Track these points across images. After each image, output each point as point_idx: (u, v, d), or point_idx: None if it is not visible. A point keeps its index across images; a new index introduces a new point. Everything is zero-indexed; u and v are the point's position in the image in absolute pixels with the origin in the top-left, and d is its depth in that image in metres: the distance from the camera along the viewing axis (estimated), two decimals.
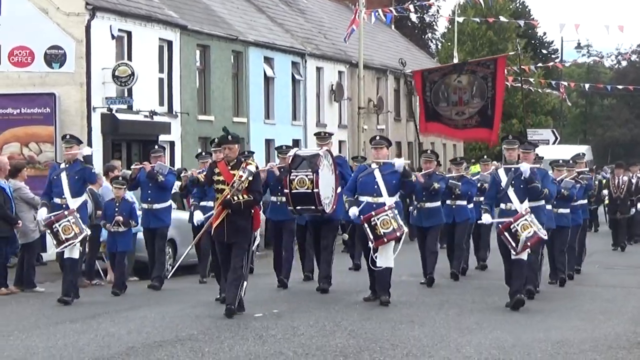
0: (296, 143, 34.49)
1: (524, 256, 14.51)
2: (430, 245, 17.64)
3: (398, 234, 14.67)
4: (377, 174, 14.87)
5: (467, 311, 14.20)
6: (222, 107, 32.34)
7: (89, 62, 25.74)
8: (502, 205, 14.77)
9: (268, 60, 35.57)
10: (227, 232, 13.25)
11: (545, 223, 15.43)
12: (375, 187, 14.83)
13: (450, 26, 53.78)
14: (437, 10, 63.77)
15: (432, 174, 17.96)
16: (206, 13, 33.42)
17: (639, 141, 71.22)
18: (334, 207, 15.92)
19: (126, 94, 27.04)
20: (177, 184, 18.71)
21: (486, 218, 14.81)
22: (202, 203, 17.14)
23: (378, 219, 14.56)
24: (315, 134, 17.36)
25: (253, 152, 21.34)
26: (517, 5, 64.93)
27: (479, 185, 19.75)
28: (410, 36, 59.10)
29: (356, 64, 38.41)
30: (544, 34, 72.15)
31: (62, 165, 15.64)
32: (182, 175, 18.41)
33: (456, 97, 23.39)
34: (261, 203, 14.49)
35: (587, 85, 56.27)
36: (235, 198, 13.09)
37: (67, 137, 15.97)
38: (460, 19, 48.88)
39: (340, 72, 40.96)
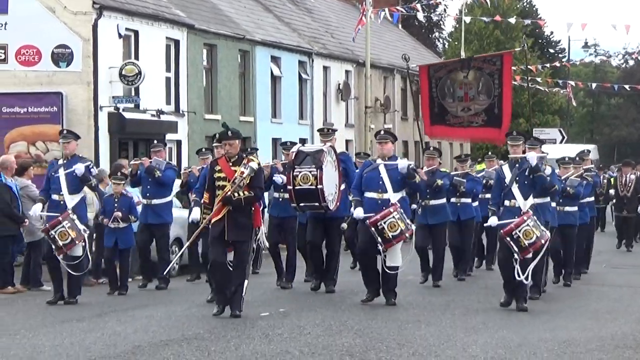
0: (303, 142, 34.38)
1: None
2: (439, 250, 17.41)
3: (407, 235, 14.56)
4: (382, 170, 14.65)
5: (473, 311, 14.16)
6: (228, 106, 32.36)
7: (96, 61, 25.78)
8: (506, 202, 14.34)
9: (275, 60, 35.58)
10: (227, 229, 13.10)
11: (550, 222, 15.11)
12: (380, 182, 14.60)
13: (457, 25, 53.70)
14: (444, 10, 63.77)
15: (436, 171, 17.81)
16: (213, 12, 33.44)
17: None
18: (338, 204, 15.56)
19: (133, 93, 27.07)
20: (178, 182, 18.55)
21: (493, 221, 14.38)
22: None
23: (385, 223, 14.33)
24: (318, 130, 17.06)
25: (257, 149, 21.20)
26: (525, 4, 64.83)
27: (484, 182, 19.64)
28: (418, 35, 59.10)
29: (363, 63, 38.40)
30: (551, 33, 72.05)
31: (60, 162, 15.30)
32: (182, 172, 18.31)
33: (462, 93, 23.23)
34: (265, 201, 14.24)
35: (594, 85, 56.18)
36: (236, 194, 12.96)
37: (64, 132, 15.83)
38: (468, 19, 48.79)
39: (347, 71, 40.96)
